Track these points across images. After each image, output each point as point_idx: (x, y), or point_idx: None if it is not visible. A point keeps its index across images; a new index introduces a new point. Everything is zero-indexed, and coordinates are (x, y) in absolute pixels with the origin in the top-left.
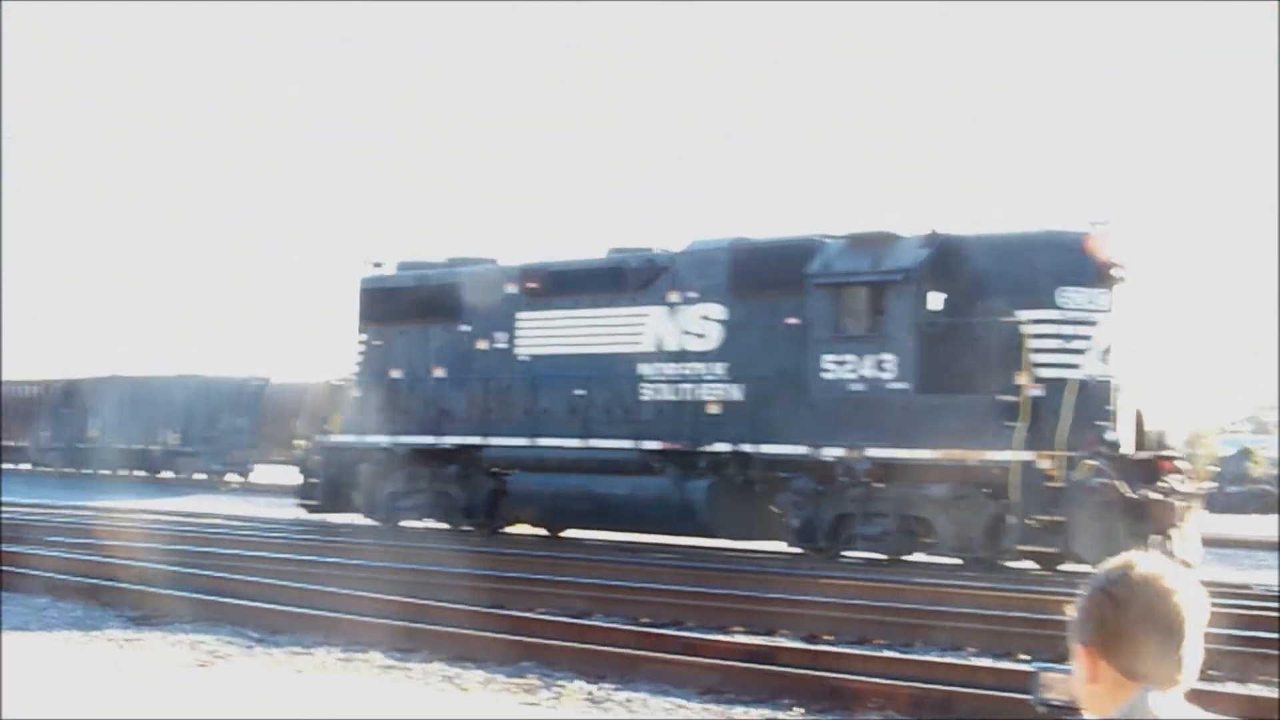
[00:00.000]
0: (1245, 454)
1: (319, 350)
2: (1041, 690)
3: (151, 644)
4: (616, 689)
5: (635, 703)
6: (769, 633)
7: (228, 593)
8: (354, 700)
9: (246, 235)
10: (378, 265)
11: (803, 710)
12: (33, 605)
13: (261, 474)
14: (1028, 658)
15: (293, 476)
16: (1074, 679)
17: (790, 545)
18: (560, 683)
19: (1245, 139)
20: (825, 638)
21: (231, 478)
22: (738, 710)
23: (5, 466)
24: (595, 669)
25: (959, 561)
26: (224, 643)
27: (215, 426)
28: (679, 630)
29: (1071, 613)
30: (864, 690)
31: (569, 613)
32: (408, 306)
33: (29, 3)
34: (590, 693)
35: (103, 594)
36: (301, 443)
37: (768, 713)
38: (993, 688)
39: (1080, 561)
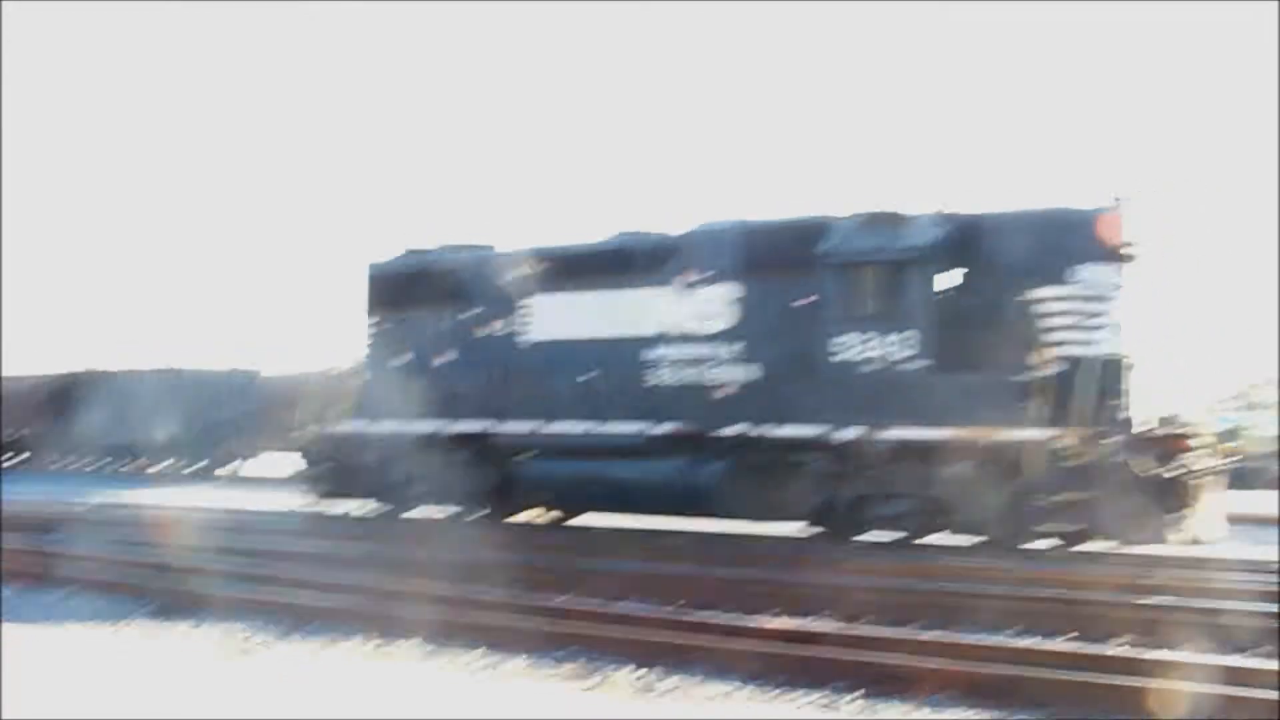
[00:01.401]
0: (1234, 432)
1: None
2: None
3: (183, 632)
4: (663, 675)
5: (686, 688)
6: (806, 615)
7: (252, 580)
8: (398, 689)
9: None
10: (385, 251)
11: (857, 696)
12: (50, 598)
13: (254, 465)
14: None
15: (289, 466)
16: None
17: (807, 526)
18: (606, 669)
19: (1257, 114)
20: (863, 620)
21: (224, 469)
22: (795, 694)
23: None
24: (640, 654)
25: (978, 541)
26: (257, 630)
27: (205, 419)
28: (716, 613)
29: None
30: (920, 674)
31: (602, 598)
32: (415, 292)
33: None
34: (639, 679)
35: (124, 585)
36: (304, 432)
37: (825, 696)
38: (1053, 666)
39: (1097, 540)
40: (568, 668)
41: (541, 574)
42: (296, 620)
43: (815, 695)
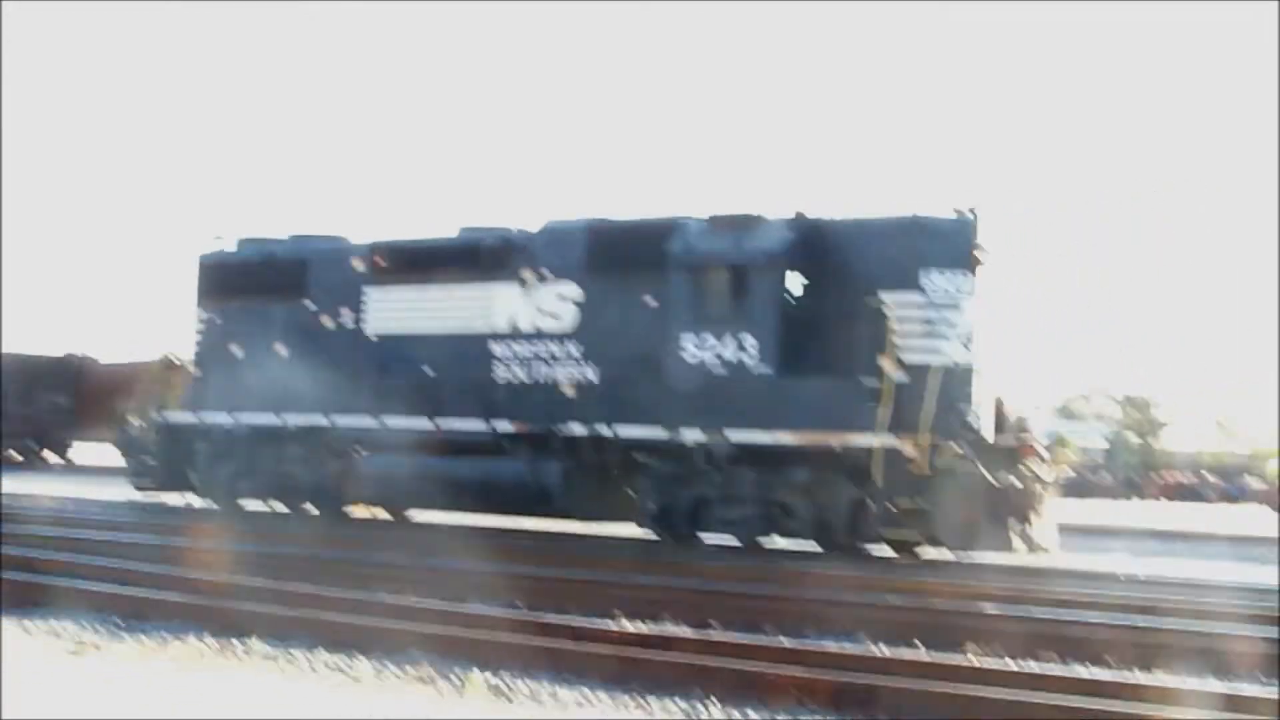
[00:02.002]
0: (1059, 442)
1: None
2: None
3: (9, 630)
4: (515, 678)
5: (540, 692)
6: (654, 619)
7: (83, 576)
8: (238, 692)
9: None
10: (219, 240)
11: (715, 702)
12: None
13: (82, 453)
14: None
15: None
16: None
17: (645, 529)
18: (456, 672)
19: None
20: (712, 624)
21: (52, 458)
22: (651, 700)
23: None
24: (489, 658)
25: (818, 547)
26: (87, 629)
27: (31, 404)
28: (561, 616)
29: None
30: (780, 682)
31: (441, 597)
32: (250, 283)
33: None
34: (490, 683)
35: None
36: (135, 421)
37: (684, 704)
38: (916, 677)
39: (941, 547)
40: (415, 671)
41: (381, 572)
42: (131, 618)
43: (672, 702)
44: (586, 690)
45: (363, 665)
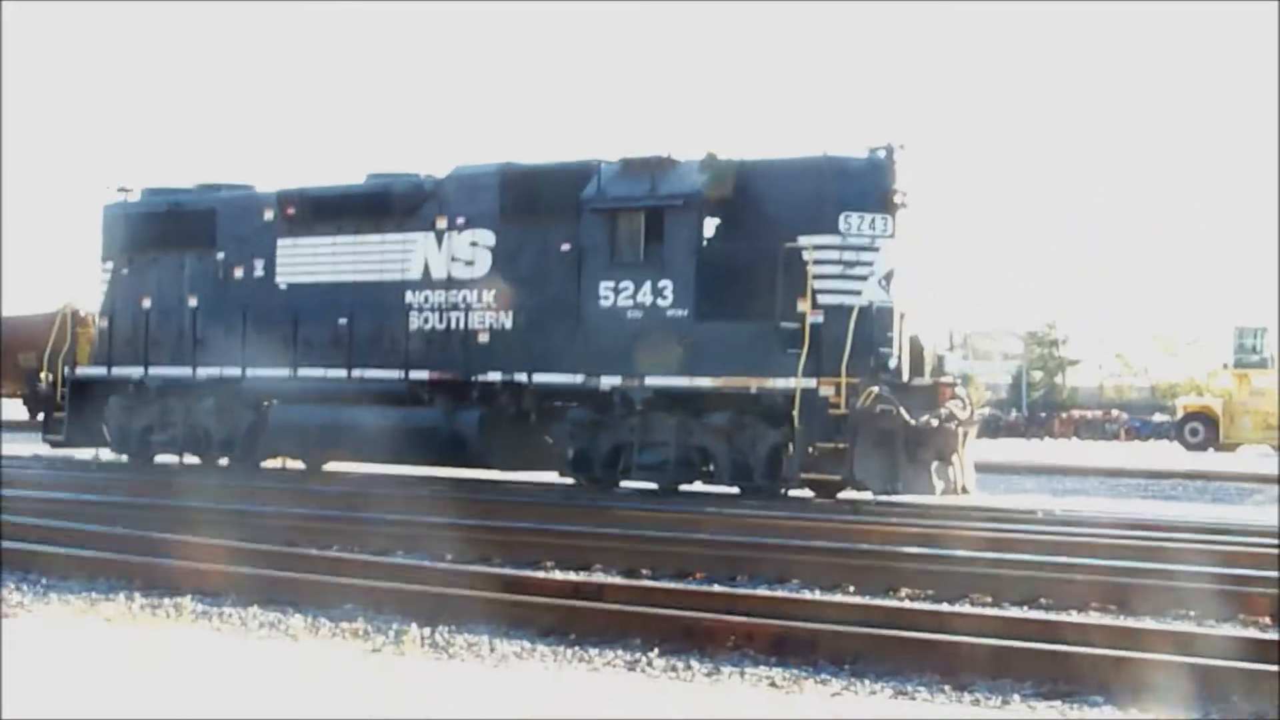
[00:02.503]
0: (964, 380)
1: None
2: None
3: None
4: (453, 632)
5: (480, 646)
6: (584, 568)
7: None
8: (171, 652)
9: None
10: (123, 191)
11: (657, 651)
12: None
13: None
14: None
15: (20, 412)
16: None
17: (563, 476)
18: (391, 627)
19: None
20: (643, 572)
21: None
22: (592, 652)
23: None
24: (424, 611)
25: (737, 491)
26: (11, 590)
27: None
28: (491, 567)
29: None
30: (720, 629)
31: (368, 550)
32: (158, 234)
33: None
34: (429, 637)
35: None
36: (44, 375)
37: (623, 654)
38: (856, 624)
39: (861, 489)
40: (348, 625)
41: (304, 525)
42: (54, 577)
43: (613, 653)
44: (525, 643)
45: (296, 620)
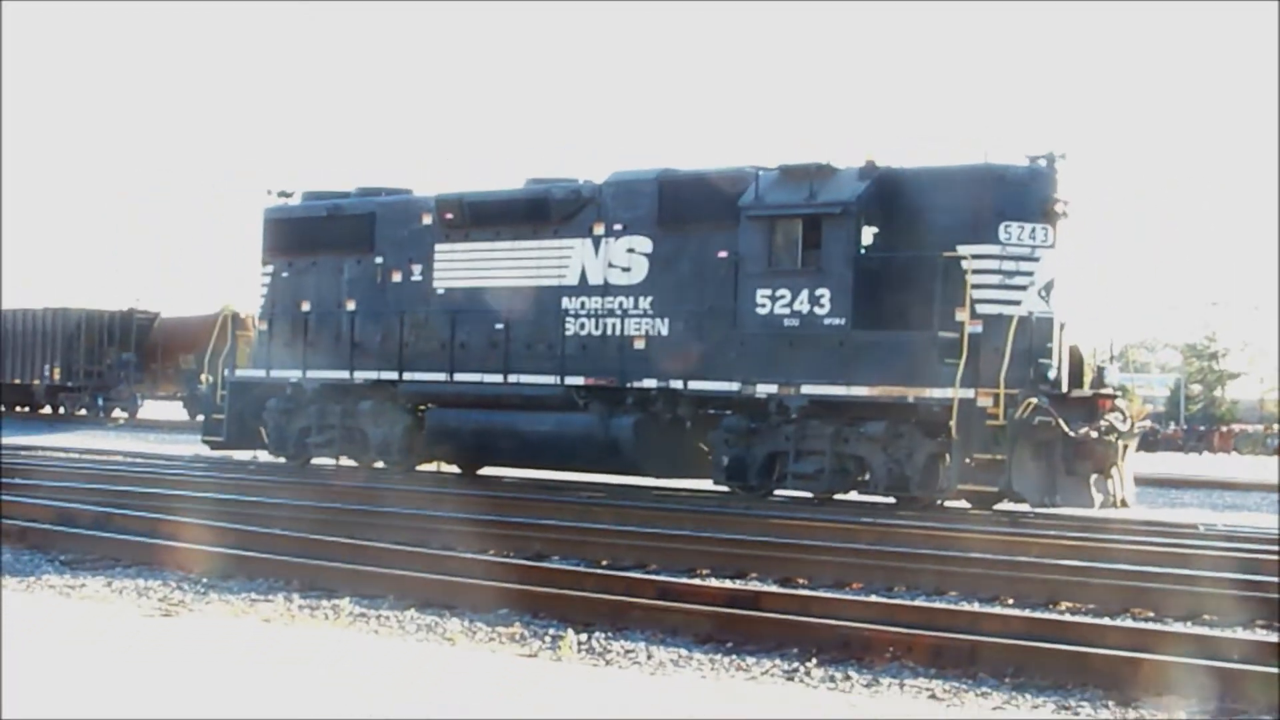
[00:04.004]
0: (1123, 392)
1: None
2: None
3: (96, 590)
4: (610, 638)
5: (637, 653)
6: (740, 575)
7: (164, 535)
8: (332, 653)
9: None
10: (284, 195)
11: (815, 661)
12: None
13: (150, 410)
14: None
15: (180, 413)
16: None
17: (718, 483)
18: (549, 631)
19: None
20: (800, 581)
21: (118, 414)
22: (749, 660)
23: None
24: (582, 616)
25: (893, 500)
26: (174, 589)
27: (99, 361)
28: (648, 574)
29: None
30: (879, 639)
31: (524, 555)
32: (318, 238)
33: None
34: (585, 643)
35: (30, 536)
36: (204, 377)
37: (780, 663)
38: (1016, 636)
39: (1019, 501)
40: (505, 630)
41: (460, 528)
42: (220, 577)
43: (771, 661)
44: (683, 650)
45: (454, 624)
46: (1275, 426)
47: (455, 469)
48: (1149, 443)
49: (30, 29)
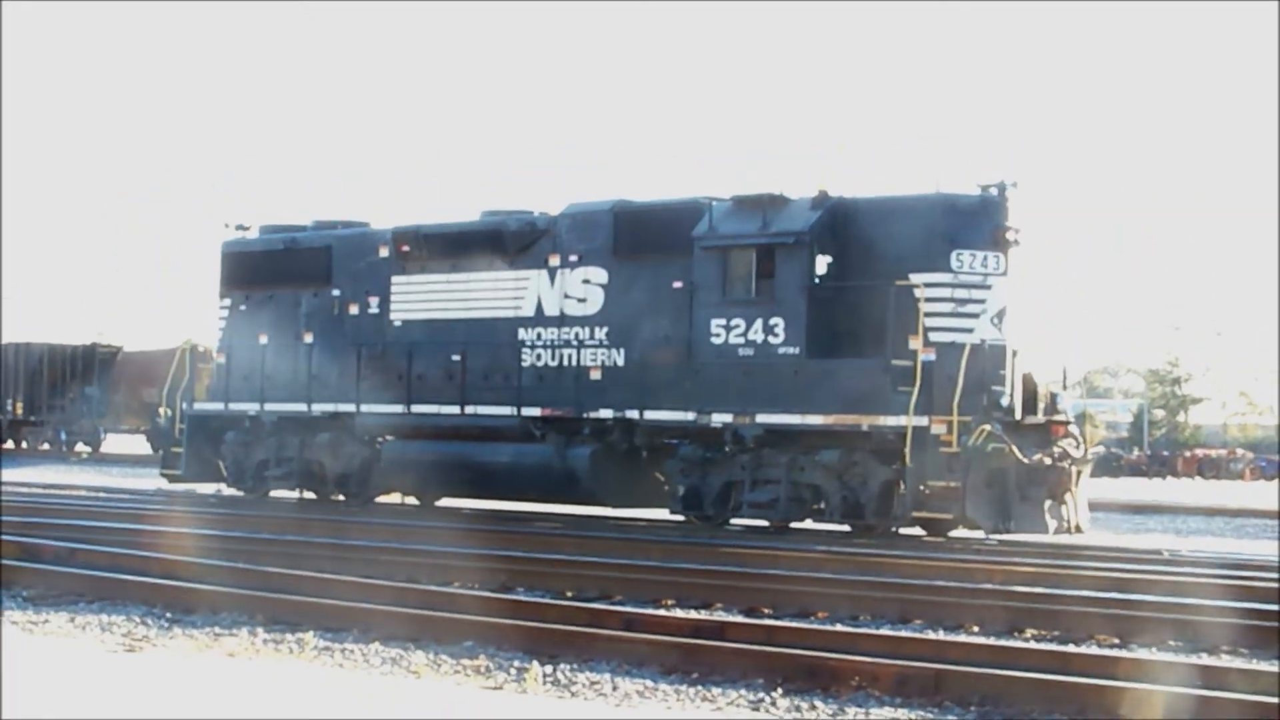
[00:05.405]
0: (1083, 418)
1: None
2: None
3: (60, 626)
4: (576, 669)
5: (602, 684)
6: (705, 605)
7: (126, 569)
8: (297, 688)
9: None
10: (241, 228)
11: (780, 691)
12: None
13: (113, 444)
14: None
15: (144, 446)
16: None
17: (674, 513)
18: (514, 663)
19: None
20: (764, 610)
21: (81, 448)
22: (715, 691)
23: None
24: (547, 648)
25: (848, 529)
26: (138, 624)
27: (63, 395)
28: (610, 604)
29: None
30: (844, 669)
31: (488, 587)
32: (274, 271)
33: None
34: (551, 674)
35: None
36: (163, 410)
37: (746, 694)
38: (981, 665)
39: (973, 527)
40: (470, 662)
41: (423, 561)
42: (183, 611)
43: (736, 692)
44: (648, 681)
45: (418, 656)
46: (1239, 451)
47: (414, 501)
48: (1113, 468)
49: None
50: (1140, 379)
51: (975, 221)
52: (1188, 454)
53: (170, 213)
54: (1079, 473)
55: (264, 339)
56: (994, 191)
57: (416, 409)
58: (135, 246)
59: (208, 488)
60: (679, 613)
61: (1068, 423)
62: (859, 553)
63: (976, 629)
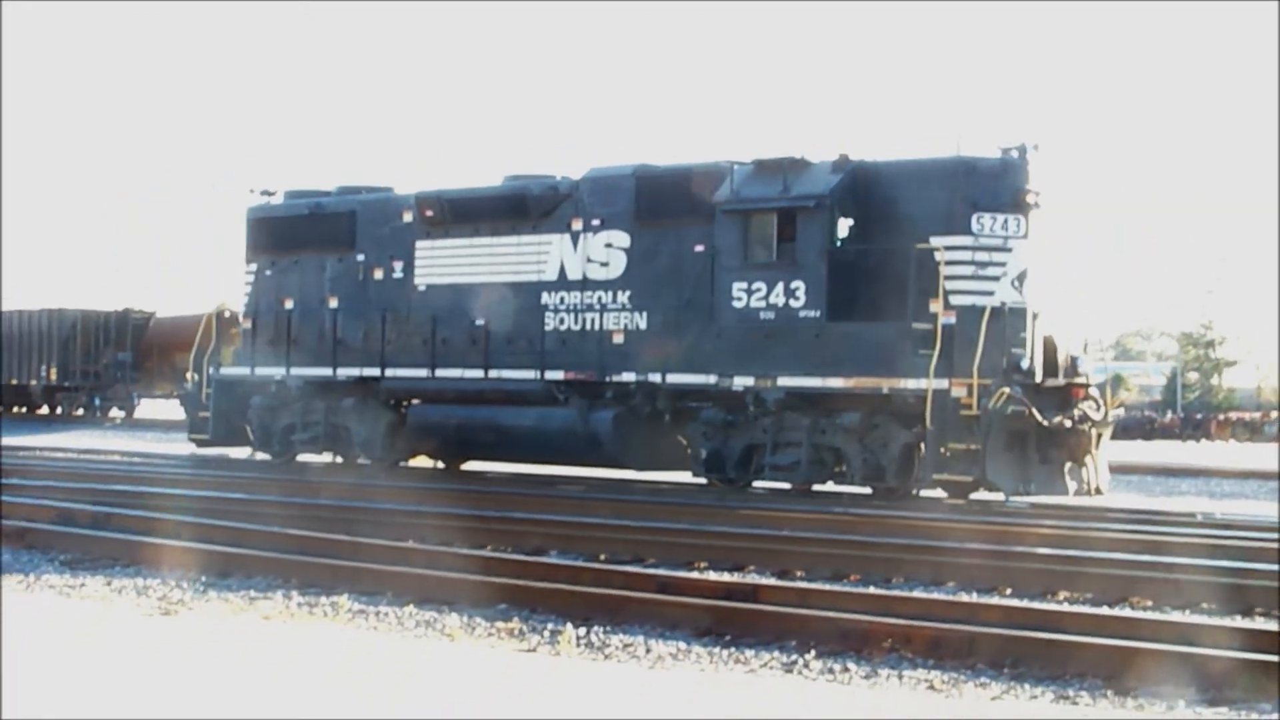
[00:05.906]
0: (1116, 380)
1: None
2: None
3: (96, 590)
4: (609, 632)
5: (635, 646)
6: (738, 568)
7: (161, 533)
8: (332, 650)
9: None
10: (266, 194)
11: (813, 653)
12: None
13: (146, 409)
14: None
15: (177, 412)
16: None
17: (696, 476)
18: (546, 626)
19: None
20: (797, 573)
21: (114, 413)
22: (748, 653)
23: None
24: (579, 610)
25: (869, 491)
26: (173, 587)
27: (96, 361)
28: (646, 568)
29: None
30: (876, 631)
31: (522, 550)
32: (300, 236)
33: None
34: (584, 637)
35: (30, 536)
36: (190, 375)
37: (779, 656)
38: (1014, 627)
39: (993, 490)
40: (504, 625)
41: (455, 524)
42: (219, 574)
43: (770, 654)
44: (681, 643)
45: (452, 619)
46: (1273, 414)
47: (440, 464)
48: (1146, 431)
49: (29, 29)
50: (1174, 341)
51: (996, 184)
52: (1221, 417)
53: (207, 180)
54: (1099, 435)
55: (289, 304)
56: (1014, 154)
57: (441, 373)
58: (172, 212)
59: (241, 451)
60: (712, 575)
61: (1088, 385)
62: (891, 515)
63: (1010, 592)
